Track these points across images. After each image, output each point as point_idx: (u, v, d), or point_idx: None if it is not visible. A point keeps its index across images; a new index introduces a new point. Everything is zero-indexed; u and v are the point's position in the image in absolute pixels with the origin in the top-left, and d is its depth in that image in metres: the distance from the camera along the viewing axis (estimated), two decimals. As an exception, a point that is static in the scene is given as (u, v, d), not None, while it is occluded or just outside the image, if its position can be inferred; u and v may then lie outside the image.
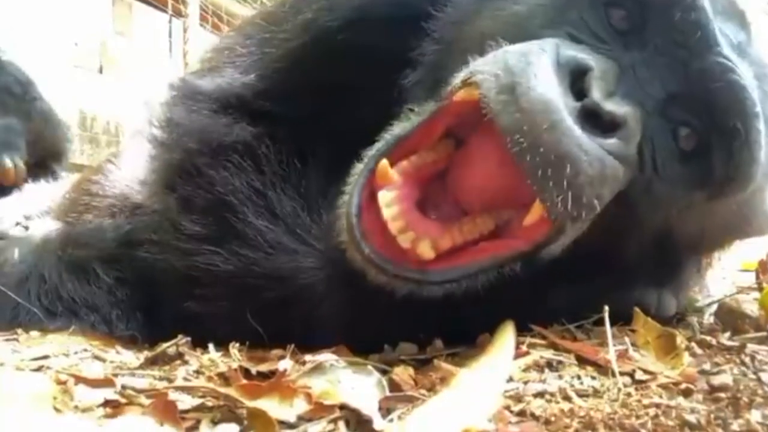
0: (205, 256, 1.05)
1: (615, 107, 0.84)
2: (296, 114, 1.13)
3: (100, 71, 5.06)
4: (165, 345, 1.02)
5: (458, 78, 0.88)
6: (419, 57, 1.05)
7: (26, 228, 1.70)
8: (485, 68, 0.84)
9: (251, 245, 1.04)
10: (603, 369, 0.87)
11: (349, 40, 1.09)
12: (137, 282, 1.20)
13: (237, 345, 1.03)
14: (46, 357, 1.04)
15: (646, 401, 0.76)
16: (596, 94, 0.82)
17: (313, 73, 1.13)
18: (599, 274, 1.01)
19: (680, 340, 0.94)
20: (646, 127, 0.89)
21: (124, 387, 0.84)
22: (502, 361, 0.73)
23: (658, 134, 0.92)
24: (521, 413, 0.74)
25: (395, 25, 1.07)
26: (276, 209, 1.06)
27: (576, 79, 0.84)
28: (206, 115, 1.15)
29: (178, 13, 5.81)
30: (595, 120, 0.82)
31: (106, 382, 0.86)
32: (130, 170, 1.55)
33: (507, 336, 0.77)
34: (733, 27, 0.96)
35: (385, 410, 0.76)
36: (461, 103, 0.88)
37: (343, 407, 0.75)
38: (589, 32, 0.92)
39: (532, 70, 0.80)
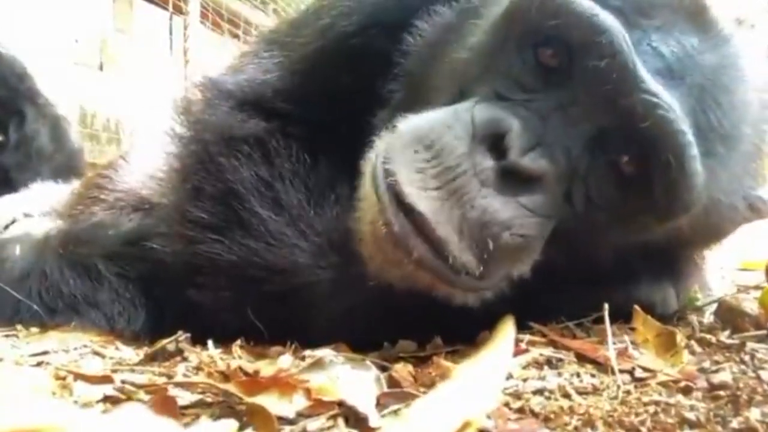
0: (209, 244, 1.07)
1: (531, 163, 0.88)
2: (311, 115, 1.16)
3: (101, 68, 5.04)
4: (164, 341, 1.03)
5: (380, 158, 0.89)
6: (401, 75, 1.09)
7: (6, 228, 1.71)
8: (398, 158, 0.87)
9: (254, 235, 1.06)
10: (602, 367, 0.87)
11: (363, 44, 1.13)
12: (139, 278, 1.21)
13: (238, 343, 1.03)
14: (45, 353, 1.05)
15: (645, 399, 0.76)
16: (513, 153, 0.87)
17: (329, 76, 1.17)
18: (591, 278, 1.03)
19: (680, 338, 0.94)
20: (574, 167, 0.92)
21: (123, 382, 0.84)
22: (501, 353, 0.73)
23: (594, 168, 0.93)
24: (521, 410, 0.74)
25: (403, 32, 1.09)
26: (282, 200, 1.08)
27: (497, 141, 0.88)
28: (224, 111, 1.18)
29: (178, 11, 5.79)
30: (515, 176, 0.87)
31: (105, 379, 0.86)
32: (140, 166, 1.58)
33: (507, 330, 0.77)
34: (679, 34, 0.94)
35: (383, 407, 0.76)
36: None
37: (342, 404, 0.75)
38: (515, 85, 0.95)
39: (442, 154, 0.86)
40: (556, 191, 0.92)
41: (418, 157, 0.86)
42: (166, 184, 1.28)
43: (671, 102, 0.88)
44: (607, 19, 0.89)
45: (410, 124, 0.92)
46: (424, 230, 0.84)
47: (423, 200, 0.84)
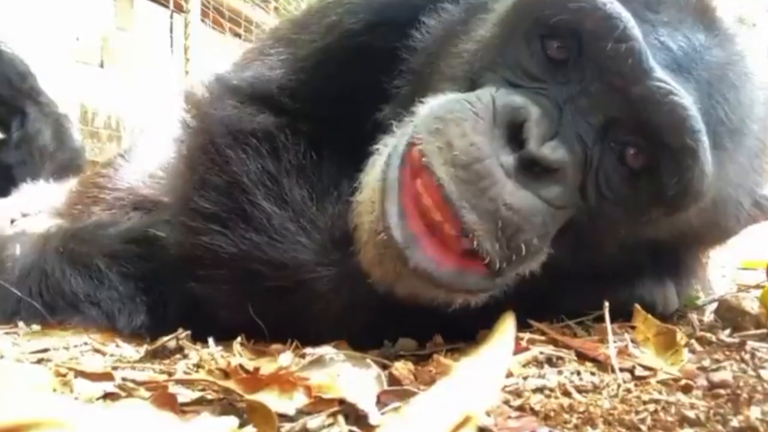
0: (211, 235, 1.08)
1: (551, 153, 0.88)
2: (315, 112, 1.17)
3: (102, 66, 5.05)
4: (165, 338, 1.03)
5: (402, 141, 0.90)
6: (407, 72, 1.09)
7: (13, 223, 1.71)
8: (427, 138, 0.87)
9: (256, 229, 1.06)
10: (603, 365, 0.87)
11: (369, 42, 1.13)
12: (140, 276, 1.21)
13: (239, 340, 1.03)
14: (46, 350, 1.05)
15: (645, 397, 0.76)
16: (533, 143, 0.87)
17: (335, 74, 1.17)
18: (594, 275, 1.03)
19: (680, 336, 0.94)
20: (589, 158, 0.92)
21: (124, 380, 0.84)
22: (502, 350, 0.73)
23: (604, 160, 0.94)
24: (521, 408, 0.74)
25: (410, 29, 1.09)
26: (287, 195, 1.08)
27: (515, 130, 0.88)
28: (233, 105, 1.18)
29: (179, 9, 5.79)
30: (534, 167, 0.87)
31: (106, 376, 0.86)
32: (140, 164, 1.58)
33: (507, 327, 0.77)
34: (686, 30, 0.95)
35: (384, 404, 0.76)
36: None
37: (342, 401, 0.75)
38: (525, 75, 0.95)
39: (468, 136, 0.86)
40: (573, 183, 0.92)
41: (447, 138, 0.86)
42: (172, 175, 1.28)
43: (682, 89, 0.89)
44: (620, 8, 0.89)
45: (434, 106, 0.92)
46: (455, 218, 0.84)
47: (454, 184, 0.84)
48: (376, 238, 0.87)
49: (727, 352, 0.91)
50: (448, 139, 0.86)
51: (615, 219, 0.96)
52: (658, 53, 0.91)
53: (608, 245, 1.01)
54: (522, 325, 0.94)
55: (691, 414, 0.71)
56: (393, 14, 1.13)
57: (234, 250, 1.06)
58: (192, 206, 1.11)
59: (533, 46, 0.95)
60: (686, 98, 0.88)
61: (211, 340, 1.04)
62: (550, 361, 0.89)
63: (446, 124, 0.87)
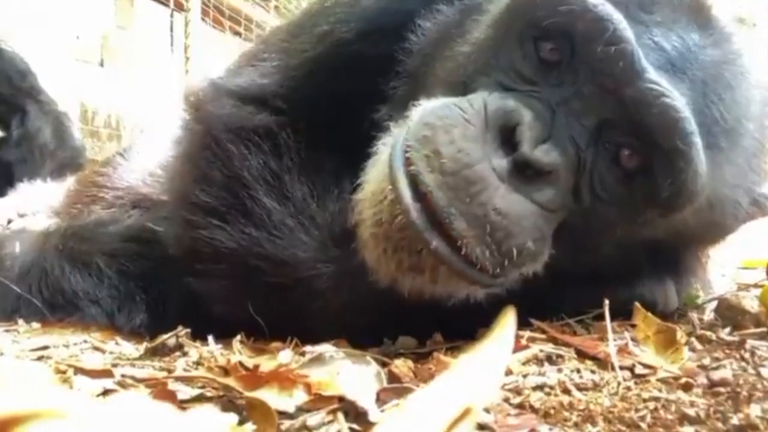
0: (211, 230, 1.08)
1: (543, 156, 0.88)
2: (310, 116, 1.16)
3: (102, 65, 5.05)
4: (164, 336, 1.03)
5: (397, 148, 0.89)
6: (403, 74, 1.09)
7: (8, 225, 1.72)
8: (415, 146, 0.87)
9: (256, 224, 1.06)
10: (603, 363, 0.87)
11: (361, 50, 1.13)
12: (140, 275, 1.21)
13: (238, 338, 1.03)
14: (46, 348, 1.05)
15: (645, 395, 0.76)
16: (525, 146, 0.87)
17: (328, 81, 1.17)
18: (593, 275, 1.03)
19: (680, 335, 0.94)
20: (582, 161, 0.92)
21: (123, 377, 0.85)
22: (503, 343, 0.73)
23: (598, 162, 0.93)
24: (520, 406, 0.75)
25: (405, 33, 1.09)
26: (287, 192, 1.08)
27: (508, 133, 0.87)
28: (232, 104, 1.18)
29: (179, 8, 5.79)
30: (527, 170, 0.87)
31: (105, 373, 0.86)
32: (139, 163, 1.58)
33: (507, 322, 0.77)
34: (680, 30, 0.94)
35: (383, 402, 0.76)
36: None
37: (342, 399, 0.75)
38: (518, 77, 0.95)
39: (456, 142, 0.85)
40: (566, 186, 0.92)
41: (435, 146, 0.86)
42: (172, 172, 1.28)
43: (674, 91, 0.89)
44: (612, 10, 0.89)
45: (425, 111, 0.92)
46: (443, 223, 0.84)
47: (442, 191, 0.84)
48: (393, 222, 0.86)
49: (727, 351, 0.91)
50: (435, 146, 0.86)
51: (610, 220, 0.96)
52: (652, 54, 0.91)
53: (604, 246, 1.01)
54: (522, 324, 0.94)
55: (691, 412, 0.71)
56: (387, 21, 1.13)
57: (233, 245, 1.06)
58: (192, 200, 1.11)
59: (526, 48, 0.95)
60: (678, 100, 0.88)
61: (210, 338, 1.04)
62: (550, 359, 0.89)
63: (435, 132, 0.87)
